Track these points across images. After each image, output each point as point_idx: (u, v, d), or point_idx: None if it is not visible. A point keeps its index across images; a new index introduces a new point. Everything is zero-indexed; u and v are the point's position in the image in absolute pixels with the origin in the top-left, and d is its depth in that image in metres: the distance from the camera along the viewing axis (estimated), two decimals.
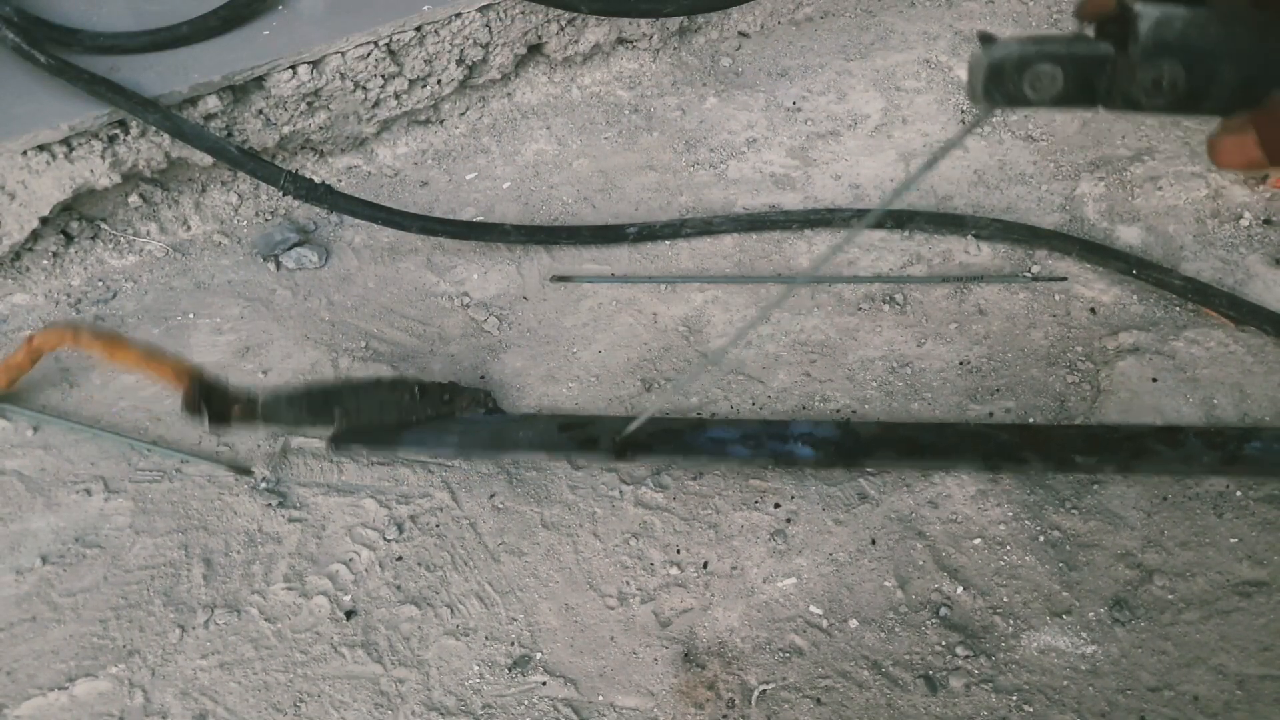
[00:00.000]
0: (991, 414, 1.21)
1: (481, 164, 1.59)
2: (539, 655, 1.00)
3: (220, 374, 1.10)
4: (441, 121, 1.64)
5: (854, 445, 1.14)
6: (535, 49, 1.65)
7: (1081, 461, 1.11)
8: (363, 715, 0.96)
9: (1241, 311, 1.28)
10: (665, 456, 1.14)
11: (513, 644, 1.01)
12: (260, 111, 1.44)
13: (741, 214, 1.48)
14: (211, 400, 1.06)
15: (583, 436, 1.15)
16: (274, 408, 1.10)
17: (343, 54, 1.45)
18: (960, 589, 1.04)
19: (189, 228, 1.48)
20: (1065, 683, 0.97)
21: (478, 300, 1.38)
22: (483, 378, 1.27)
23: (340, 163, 1.58)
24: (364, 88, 1.49)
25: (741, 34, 1.82)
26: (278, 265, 1.42)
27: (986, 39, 0.64)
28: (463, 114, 1.65)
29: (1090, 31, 0.64)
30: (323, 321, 1.35)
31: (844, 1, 1.86)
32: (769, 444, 1.13)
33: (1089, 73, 0.62)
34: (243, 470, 1.16)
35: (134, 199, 1.43)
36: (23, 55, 1.33)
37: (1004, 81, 0.63)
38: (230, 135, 1.44)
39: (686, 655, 1.00)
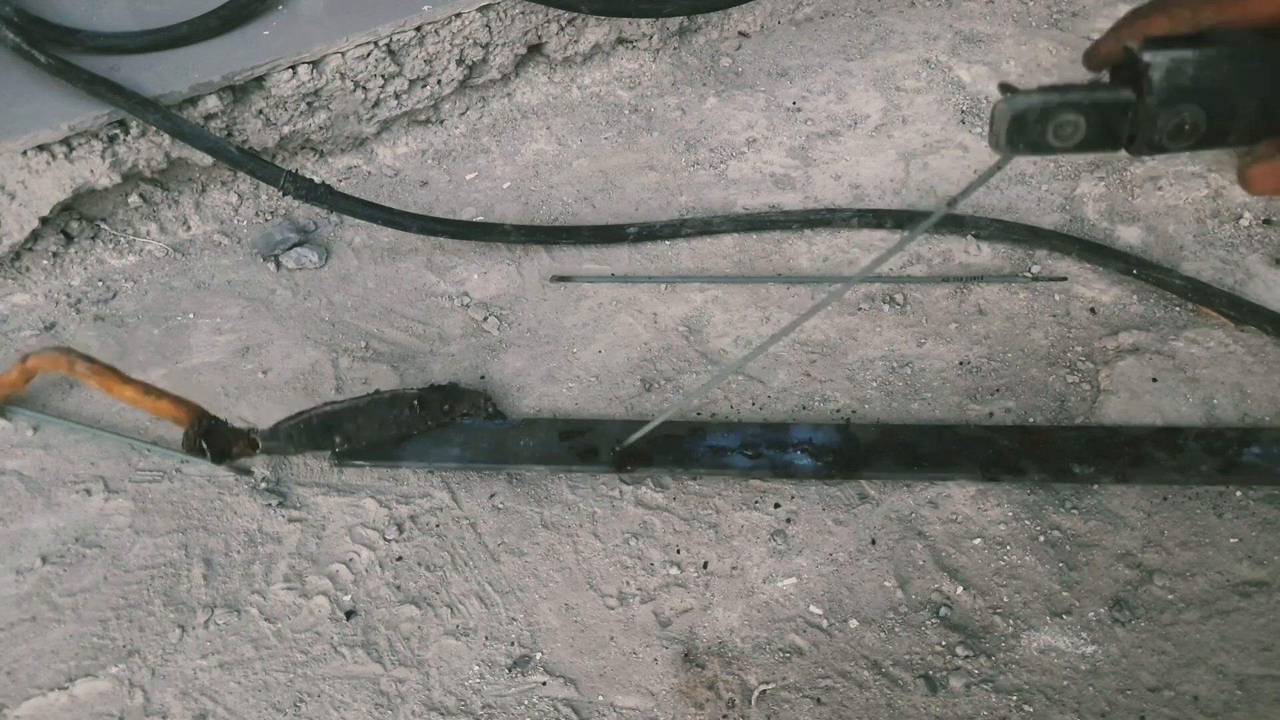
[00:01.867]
0: (991, 414, 1.21)
1: (481, 164, 1.59)
2: (539, 655, 1.00)
3: (219, 414, 1.10)
4: (441, 121, 1.64)
5: (853, 452, 1.14)
6: (535, 49, 1.65)
7: (1079, 471, 1.11)
8: (363, 715, 0.96)
9: (1242, 311, 1.28)
10: (664, 468, 1.14)
11: (513, 644, 1.01)
12: (260, 111, 1.44)
13: (741, 214, 1.48)
14: (212, 440, 1.07)
15: (583, 446, 1.15)
16: (275, 443, 1.10)
17: (343, 54, 1.45)
18: (960, 589, 1.04)
19: (189, 228, 1.48)
20: (1065, 683, 0.97)
21: (478, 300, 1.38)
22: (483, 378, 1.27)
23: (340, 163, 1.58)
24: (364, 88, 1.49)
25: (741, 34, 1.82)
26: (278, 265, 1.42)
27: (1007, 89, 0.64)
28: (463, 114, 1.65)
29: (1104, 76, 0.65)
30: (323, 321, 1.35)
31: (844, 1, 1.86)
32: (768, 453, 1.14)
33: (1111, 119, 0.62)
34: (243, 470, 1.16)
35: (134, 199, 1.43)
36: (23, 55, 1.33)
37: (1027, 131, 0.64)
38: (230, 135, 1.44)
39: (686, 655, 1.00)
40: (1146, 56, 0.59)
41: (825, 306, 1.06)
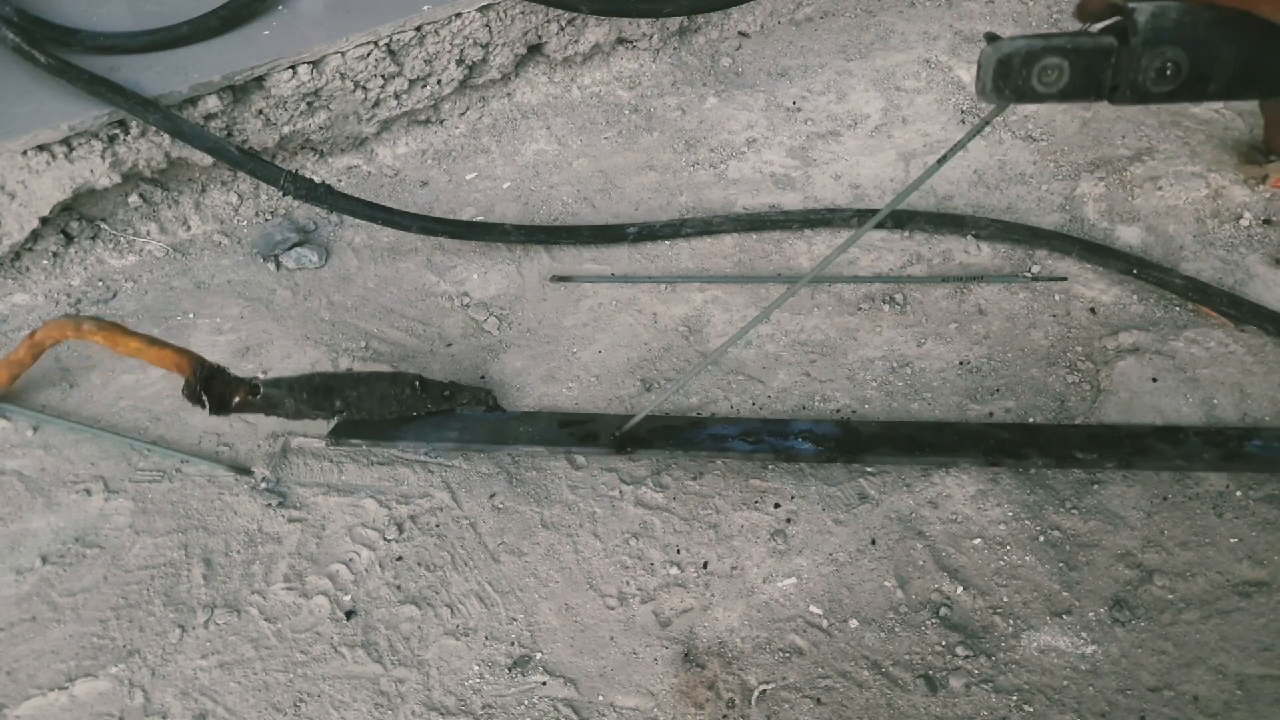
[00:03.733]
0: (991, 414, 1.21)
1: (481, 164, 1.59)
2: (539, 655, 1.00)
3: (221, 363, 1.10)
4: (441, 121, 1.64)
5: (854, 444, 1.14)
6: (535, 49, 1.65)
7: (1082, 457, 1.11)
8: (363, 715, 0.96)
9: (1242, 311, 1.28)
10: (665, 451, 1.14)
11: (513, 644, 1.01)
12: (260, 111, 1.44)
13: (741, 214, 1.48)
14: (213, 387, 1.06)
15: (583, 432, 1.15)
16: (275, 396, 1.09)
17: (343, 54, 1.45)
18: (960, 589, 1.04)
19: (189, 228, 1.48)
20: (1065, 683, 0.97)
21: (478, 300, 1.38)
22: (483, 378, 1.27)
23: (340, 163, 1.58)
24: (364, 88, 1.49)
25: (741, 34, 1.82)
26: (278, 265, 1.42)
27: (993, 37, 0.66)
28: (463, 114, 1.65)
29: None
30: (323, 321, 1.35)
31: (844, 1, 1.86)
32: (769, 440, 1.14)
33: (1095, 65, 0.65)
34: (243, 470, 1.16)
35: (134, 199, 1.43)
36: (23, 55, 1.33)
37: (1012, 76, 0.66)
38: (230, 135, 1.44)
39: (686, 655, 1.00)
40: (1131, 4, 0.63)
41: (800, 288, 1.05)
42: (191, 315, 1.36)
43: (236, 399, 1.08)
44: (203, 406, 1.06)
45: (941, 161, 0.84)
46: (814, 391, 1.24)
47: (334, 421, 1.17)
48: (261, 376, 1.26)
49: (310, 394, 1.11)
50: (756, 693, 0.97)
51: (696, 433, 1.15)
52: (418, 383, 1.16)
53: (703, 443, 1.14)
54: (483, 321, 1.34)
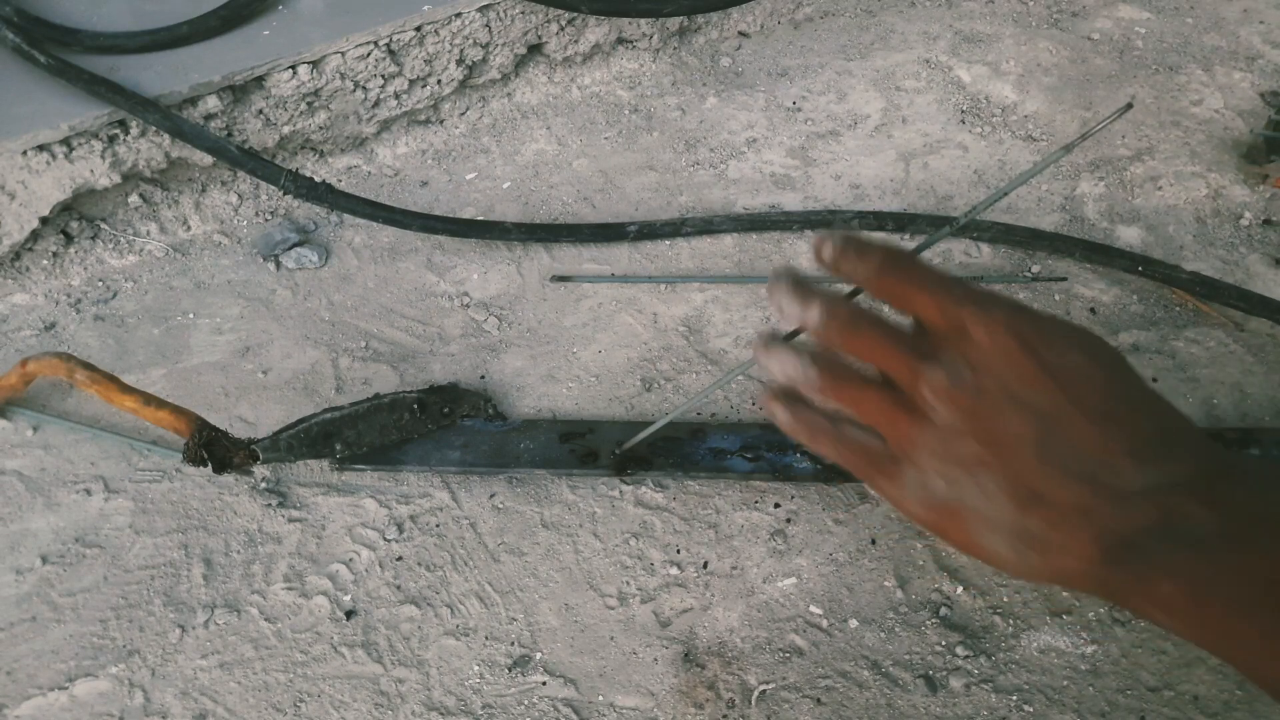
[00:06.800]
0: None
1: (481, 164, 1.59)
2: (539, 655, 1.00)
3: (221, 424, 1.10)
4: (441, 121, 1.64)
5: None
6: (535, 49, 1.65)
7: None
8: (363, 715, 0.96)
9: (1251, 304, 1.28)
10: (665, 472, 1.14)
11: (513, 644, 1.01)
12: (260, 111, 1.44)
13: (742, 214, 1.48)
14: (214, 451, 1.07)
15: (583, 449, 1.16)
16: (275, 454, 1.11)
17: (343, 54, 1.45)
18: (960, 589, 1.04)
19: (189, 228, 1.48)
20: (1065, 683, 0.97)
21: (478, 300, 1.38)
22: (483, 378, 1.27)
23: (340, 163, 1.59)
24: (364, 88, 1.49)
25: (741, 34, 1.82)
26: (278, 265, 1.42)
27: None
28: (463, 114, 1.65)
29: None
30: (323, 321, 1.35)
31: (844, 1, 1.86)
32: (769, 455, 1.14)
33: None
34: (243, 470, 1.16)
35: (134, 199, 1.43)
36: (23, 55, 1.33)
37: None
38: (230, 135, 1.44)
39: (686, 655, 1.00)
40: None
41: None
42: (191, 315, 1.36)
43: (236, 460, 1.10)
44: (205, 467, 1.08)
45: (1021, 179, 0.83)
46: None
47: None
48: (260, 383, 1.26)
49: (310, 445, 1.12)
50: (756, 693, 0.97)
51: (696, 447, 1.15)
52: (416, 405, 1.16)
53: (702, 459, 1.14)
54: (482, 321, 1.34)
